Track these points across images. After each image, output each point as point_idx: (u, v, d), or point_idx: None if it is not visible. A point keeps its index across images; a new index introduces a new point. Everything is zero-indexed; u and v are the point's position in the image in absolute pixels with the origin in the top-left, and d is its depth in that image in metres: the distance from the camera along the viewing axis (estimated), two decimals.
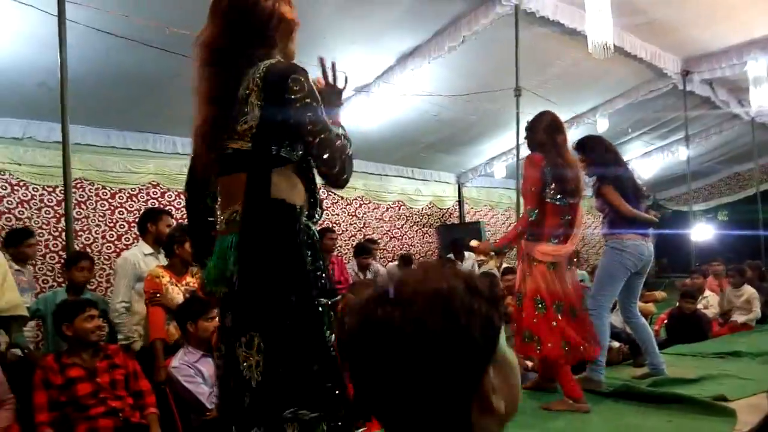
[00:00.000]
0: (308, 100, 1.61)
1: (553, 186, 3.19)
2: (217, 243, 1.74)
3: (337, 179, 1.63)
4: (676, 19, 6.24)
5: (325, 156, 1.60)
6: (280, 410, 1.57)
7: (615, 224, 3.64)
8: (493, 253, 3.41)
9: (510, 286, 5.27)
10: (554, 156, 3.22)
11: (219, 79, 1.68)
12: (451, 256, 7.44)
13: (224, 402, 1.73)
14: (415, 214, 9.42)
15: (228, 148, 1.68)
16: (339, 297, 1.74)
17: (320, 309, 1.65)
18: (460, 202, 10.10)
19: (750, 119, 9.31)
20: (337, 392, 1.64)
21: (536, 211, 3.21)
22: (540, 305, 3.18)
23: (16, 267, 4.08)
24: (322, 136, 1.61)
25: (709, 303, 6.32)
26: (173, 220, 4.10)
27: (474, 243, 3.80)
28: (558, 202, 3.21)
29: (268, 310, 1.60)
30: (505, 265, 6.65)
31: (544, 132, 3.29)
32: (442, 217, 9.87)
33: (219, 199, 1.85)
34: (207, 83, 1.70)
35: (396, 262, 7.59)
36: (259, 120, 1.62)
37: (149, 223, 3.93)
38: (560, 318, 3.17)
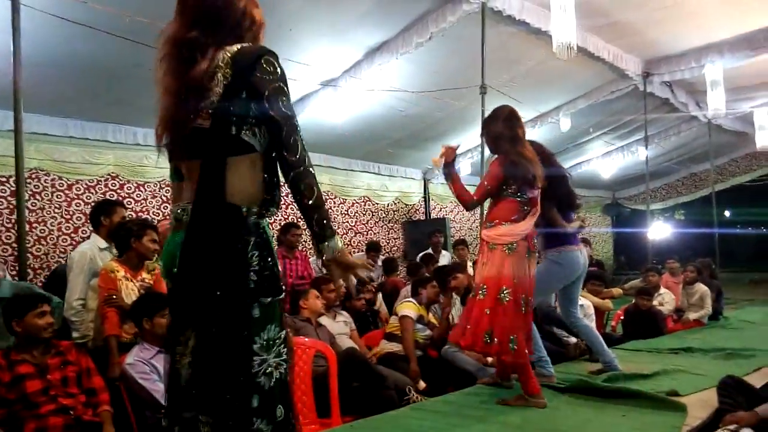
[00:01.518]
0: (281, 84, 1.60)
1: (512, 184, 3.22)
2: (168, 239, 1.72)
3: (297, 164, 1.58)
4: (638, 21, 6.37)
5: (291, 141, 1.58)
6: (196, 411, 1.58)
7: (551, 238, 3.72)
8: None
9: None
10: (514, 153, 3.24)
11: (185, 67, 1.63)
12: (429, 251, 7.43)
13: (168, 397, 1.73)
14: (381, 209, 9.42)
15: (188, 128, 1.63)
16: (282, 295, 1.69)
17: (254, 312, 1.60)
18: (426, 198, 10.15)
19: (707, 121, 9.59)
20: (257, 405, 1.58)
21: (477, 205, 3.48)
22: (481, 292, 3.20)
23: None
24: (292, 121, 1.59)
25: (665, 300, 6.50)
26: (126, 212, 3.98)
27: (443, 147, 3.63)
28: (518, 198, 3.24)
29: (202, 311, 1.59)
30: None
31: (503, 124, 3.32)
32: (407, 213, 9.90)
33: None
34: (172, 73, 1.66)
35: (363, 253, 7.56)
36: (221, 95, 1.59)
37: (103, 216, 3.78)
38: (500, 306, 3.12)
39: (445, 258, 7.58)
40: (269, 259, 1.64)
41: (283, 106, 1.59)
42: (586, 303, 4.95)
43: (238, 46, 1.63)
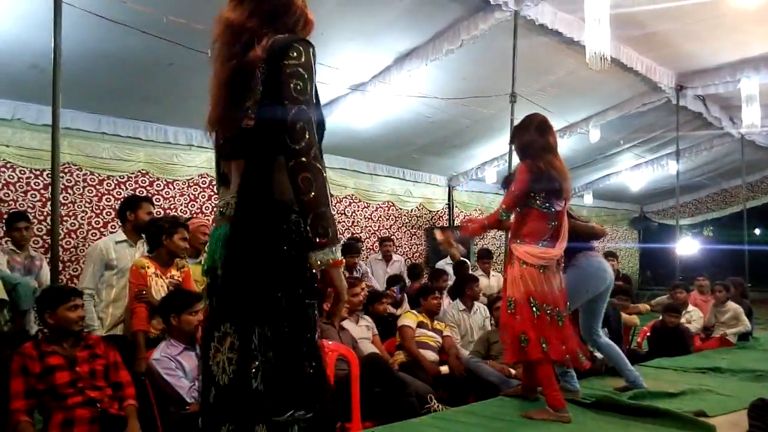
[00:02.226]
0: (299, 69, 1.53)
1: (541, 194, 3.18)
2: (211, 233, 1.71)
3: (297, 154, 1.48)
4: (673, 33, 6.28)
5: (296, 127, 1.49)
6: (251, 411, 1.52)
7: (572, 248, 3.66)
8: (458, 244, 3.39)
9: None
10: (544, 161, 3.18)
11: (242, 52, 1.60)
12: (445, 261, 7.36)
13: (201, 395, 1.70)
14: (405, 215, 9.41)
15: (236, 129, 1.60)
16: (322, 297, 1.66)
17: (308, 310, 1.57)
18: (450, 205, 10.11)
19: (740, 137, 9.40)
20: (314, 397, 1.56)
21: (510, 213, 3.27)
22: (534, 307, 3.13)
23: (11, 247, 4.25)
24: (301, 107, 1.50)
25: (692, 317, 6.37)
26: (153, 208, 4.04)
27: (438, 232, 3.80)
28: (544, 209, 3.20)
29: (250, 308, 1.54)
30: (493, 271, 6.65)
31: (535, 132, 3.27)
32: (431, 219, 9.87)
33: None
34: (224, 59, 1.63)
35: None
36: (261, 92, 1.56)
37: (129, 210, 3.84)
38: (534, 318, 3.12)
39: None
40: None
41: (294, 90, 1.51)
42: None
43: (273, 38, 1.59)
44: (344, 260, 1.58)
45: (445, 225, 9.94)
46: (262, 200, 1.55)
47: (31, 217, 5.56)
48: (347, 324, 4.28)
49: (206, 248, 1.74)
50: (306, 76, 1.53)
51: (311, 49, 1.58)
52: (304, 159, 1.48)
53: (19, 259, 4.15)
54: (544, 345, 3.08)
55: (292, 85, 1.51)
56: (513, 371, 4.14)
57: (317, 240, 1.48)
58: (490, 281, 6.78)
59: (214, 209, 1.75)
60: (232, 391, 1.54)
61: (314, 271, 1.56)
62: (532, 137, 3.27)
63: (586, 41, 5.16)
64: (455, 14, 5.47)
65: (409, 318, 4.63)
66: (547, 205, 3.20)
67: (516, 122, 5.72)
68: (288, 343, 1.52)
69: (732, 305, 6.33)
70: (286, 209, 1.55)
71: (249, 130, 1.58)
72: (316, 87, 1.59)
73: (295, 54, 1.53)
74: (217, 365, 1.58)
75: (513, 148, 3.46)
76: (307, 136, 1.48)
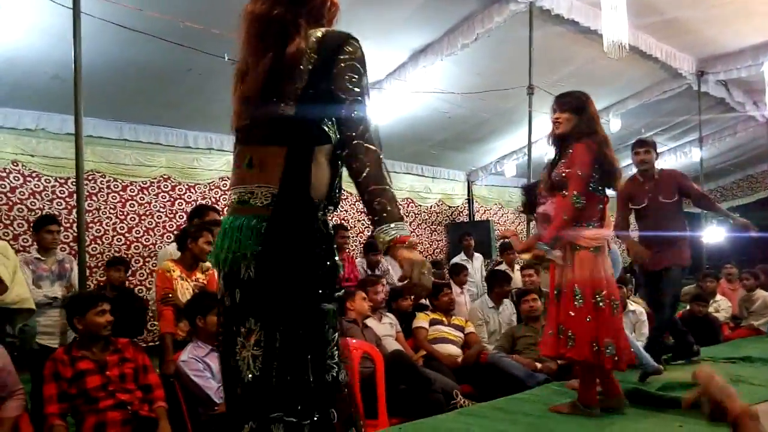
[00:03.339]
0: (354, 63, 1.52)
1: (597, 173, 3.04)
2: (225, 221, 1.63)
3: (353, 138, 1.47)
4: (692, 18, 6.17)
5: (351, 115, 1.49)
6: (271, 410, 1.50)
7: None
8: (544, 254, 3.12)
9: (533, 281, 5.24)
10: (603, 145, 3.06)
11: (277, 44, 1.56)
12: (461, 257, 7.35)
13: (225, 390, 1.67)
14: (424, 211, 9.40)
15: (271, 113, 1.55)
16: (342, 292, 1.65)
17: (326, 313, 1.55)
18: (470, 200, 10.07)
19: (765, 121, 9.21)
20: (329, 400, 1.55)
21: (583, 197, 2.99)
22: (578, 297, 2.97)
23: (36, 255, 4.22)
24: (356, 98, 1.50)
25: (721, 307, 6.25)
26: (180, 213, 4.15)
27: (514, 241, 3.76)
28: (598, 194, 3.09)
29: (277, 307, 1.51)
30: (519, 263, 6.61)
31: (592, 112, 3.13)
32: (451, 215, 9.84)
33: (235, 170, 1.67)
34: (258, 52, 1.59)
35: None
36: (307, 82, 1.53)
37: (196, 218, 4.01)
38: (596, 313, 2.95)
39: (477, 261, 7.51)
40: (336, 258, 1.60)
41: (349, 82, 1.51)
42: (638, 309, 4.82)
43: (323, 30, 1.59)
44: (410, 238, 1.45)
45: (465, 220, 9.89)
46: (299, 196, 1.51)
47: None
48: (370, 322, 4.29)
49: (218, 237, 1.63)
50: (361, 70, 1.54)
51: (360, 45, 1.57)
52: (358, 141, 1.47)
53: (46, 267, 4.15)
54: (611, 351, 2.92)
55: (347, 77, 1.51)
56: (539, 365, 4.12)
57: (375, 218, 1.45)
58: (513, 274, 6.74)
59: (230, 195, 1.66)
60: (257, 389, 1.53)
61: (335, 272, 1.56)
62: (591, 117, 3.12)
63: (603, 30, 5.10)
64: (470, 8, 5.45)
65: (420, 319, 4.67)
66: (600, 187, 3.09)
67: (534, 114, 5.70)
68: (294, 347, 1.51)
69: (762, 293, 6.20)
70: (315, 207, 1.54)
71: (287, 117, 1.54)
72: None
73: (350, 48, 1.54)
74: (243, 360, 1.55)
75: (566, 117, 3.10)
76: (363, 126, 1.49)
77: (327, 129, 1.55)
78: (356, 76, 1.52)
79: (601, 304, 2.96)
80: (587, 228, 3.04)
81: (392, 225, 1.44)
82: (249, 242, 1.53)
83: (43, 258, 4.17)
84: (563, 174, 3.06)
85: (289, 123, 1.53)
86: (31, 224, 4.86)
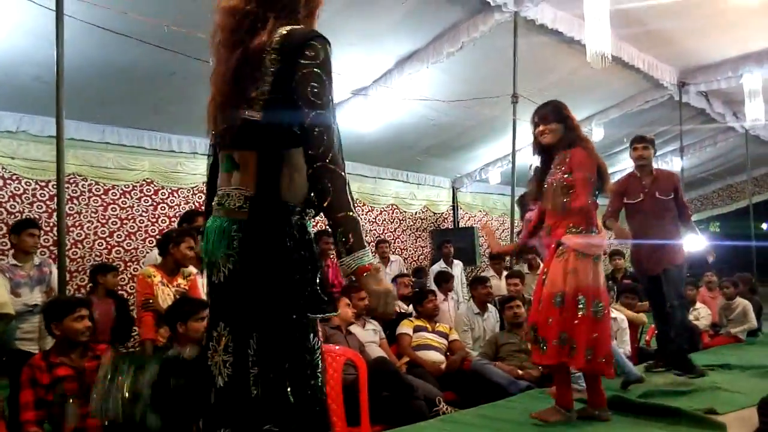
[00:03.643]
0: (316, 70, 1.46)
1: (596, 179, 3.09)
2: (207, 223, 1.63)
3: (316, 159, 1.43)
4: (674, 30, 6.28)
5: (314, 131, 1.43)
6: (247, 418, 1.49)
7: None
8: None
9: (517, 290, 5.26)
10: (596, 151, 3.13)
11: (245, 38, 1.54)
12: (440, 265, 7.38)
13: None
14: (409, 218, 9.41)
15: (239, 119, 1.53)
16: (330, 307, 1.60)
17: (302, 325, 1.52)
18: (455, 207, 10.10)
19: (744, 132, 9.38)
20: (307, 412, 1.52)
21: (591, 202, 3.04)
22: (581, 305, 2.94)
23: (13, 262, 4.10)
24: (319, 110, 1.44)
25: (700, 315, 6.34)
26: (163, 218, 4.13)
27: (490, 239, 3.73)
28: (594, 198, 3.13)
29: (247, 313, 1.51)
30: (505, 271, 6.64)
31: (576, 125, 3.19)
32: (436, 221, 9.87)
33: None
34: (230, 45, 1.57)
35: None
36: (271, 85, 1.49)
37: (185, 223, 4.02)
38: (595, 322, 2.95)
39: (457, 268, 7.54)
40: (318, 263, 1.58)
41: (311, 94, 1.44)
42: (619, 317, 4.86)
43: (288, 28, 1.52)
44: (373, 265, 1.44)
45: (449, 227, 9.92)
46: (270, 200, 1.50)
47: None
48: (354, 328, 4.28)
49: (202, 239, 1.64)
50: (324, 77, 1.47)
51: (328, 46, 1.51)
52: (320, 164, 1.42)
53: (23, 273, 4.03)
54: (589, 355, 2.92)
55: (308, 88, 1.45)
56: (521, 372, 4.13)
57: (338, 249, 1.43)
58: (501, 282, 6.77)
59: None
60: (227, 395, 1.52)
61: (321, 280, 1.54)
62: (573, 124, 3.17)
63: (586, 40, 5.17)
64: (455, 16, 5.48)
65: (405, 326, 4.68)
66: (596, 192, 3.14)
67: (519, 122, 5.75)
68: (273, 356, 1.49)
69: (741, 301, 6.30)
70: (289, 212, 1.52)
71: (256, 122, 1.51)
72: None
73: (312, 53, 1.47)
74: (215, 365, 1.55)
75: (551, 128, 3.13)
76: (326, 141, 1.43)
77: (298, 132, 1.49)
78: (317, 85, 1.46)
79: (599, 314, 2.97)
80: (591, 235, 3.02)
81: (356, 255, 1.41)
82: (219, 245, 1.54)
83: (20, 264, 4.05)
84: (564, 180, 3.05)
85: (257, 128, 1.51)
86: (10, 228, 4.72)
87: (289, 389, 1.49)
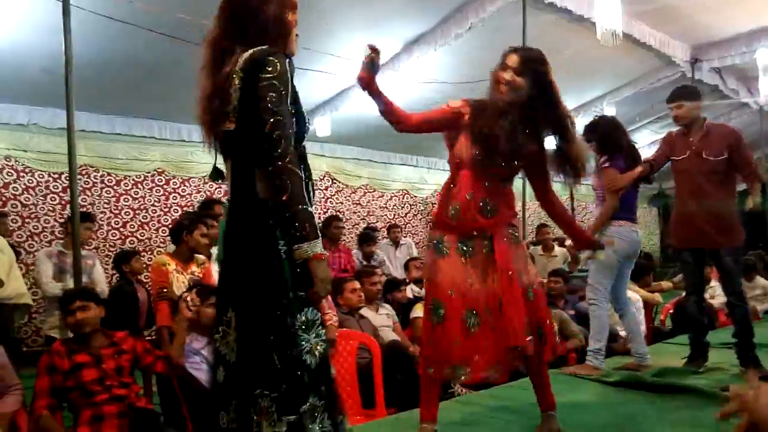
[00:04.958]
0: (273, 81, 1.66)
1: None
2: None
3: (274, 160, 1.64)
4: (686, 5, 6.17)
5: (273, 136, 1.64)
6: (251, 389, 1.67)
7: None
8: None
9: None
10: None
11: (216, 74, 1.77)
12: None
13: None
14: (420, 202, 9.40)
15: (220, 132, 1.79)
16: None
17: (288, 301, 1.70)
18: None
19: (759, 108, 9.22)
20: (281, 379, 1.67)
21: None
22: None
23: (61, 249, 4.38)
24: (276, 118, 1.65)
25: (716, 293, 6.28)
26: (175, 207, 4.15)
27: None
28: None
29: (243, 294, 1.73)
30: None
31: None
32: None
33: None
34: (208, 77, 1.81)
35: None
36: (239, 101, 1.72)
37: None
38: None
39: None
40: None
41: (270, 103, 1.65)
42: (634, 296, 4.83)
43: (251, 50, 1.72)
44: (324, 255, 1.70)
45: None
46: (247, 199, 1.73)
47: (51, 221, 5.68)
48: (367, 313, 4.30)
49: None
50: (281, 88, 1.67)
51: (287, 61, 1.71)
52: (280, 163, 1.63)
53: (68, 260, 4.07)
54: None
55: (267, 98, 1.66)
56: None
57: (295, 235, 1.65)
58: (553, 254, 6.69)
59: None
60: (238, 370, 1.73)
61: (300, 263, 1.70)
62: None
63: (596, 18, 5.09)
64: None
65: (419, 309, 4.64)
66: None
67: None
68: (258, 329, 1.69)
69: (760, 280, 6.25)
70: (268, 208, 1.70)
71: (231, 132, 1.75)
72: (295, 93, 1.73)
73: (270, 68, 1.67)
74: (226, 345, 1.77)
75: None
76: (283, 144, 1.64)
77: (263, 137, 1.68)
78: (275, 95, 1.66)
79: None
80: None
81: (311, 243, 1.65)
82: (220, 244, 1.86)
83: (67, 252, 4.16)
84: None
85: (234, 137, 1.76)
86: (38, 219, 5.03)
87: (275, 357, 1.67)
